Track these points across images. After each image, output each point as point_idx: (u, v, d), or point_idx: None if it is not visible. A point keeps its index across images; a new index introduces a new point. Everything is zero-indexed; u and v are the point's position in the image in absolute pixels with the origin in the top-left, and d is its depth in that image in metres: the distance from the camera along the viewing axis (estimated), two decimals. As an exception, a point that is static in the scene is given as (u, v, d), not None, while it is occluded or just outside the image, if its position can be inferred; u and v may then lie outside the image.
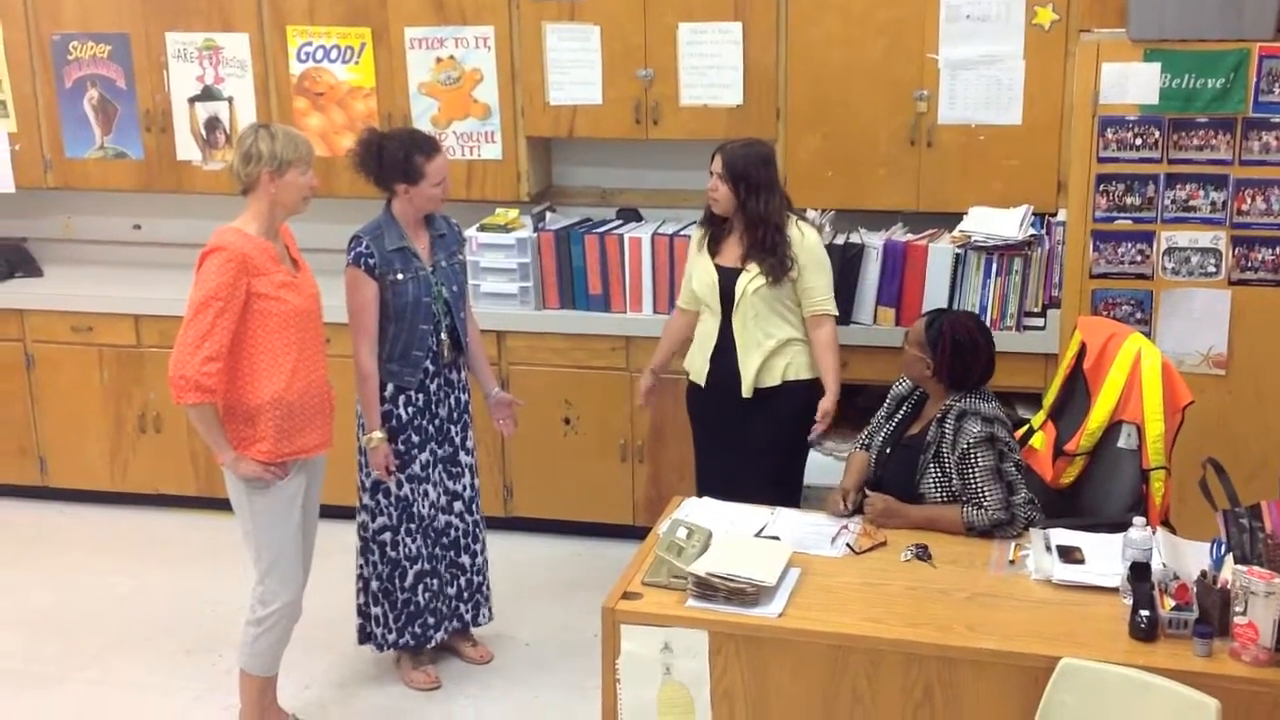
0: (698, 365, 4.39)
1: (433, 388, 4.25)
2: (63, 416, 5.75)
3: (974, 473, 3.59)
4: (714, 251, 4.32)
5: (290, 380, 3.79)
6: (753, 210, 4.19)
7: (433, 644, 4.41)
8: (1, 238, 6.11)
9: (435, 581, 4.35)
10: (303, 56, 5.38)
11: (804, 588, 3.33)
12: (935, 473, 3.67)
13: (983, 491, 3.58)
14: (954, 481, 3.63)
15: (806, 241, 4.24)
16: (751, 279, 4.20)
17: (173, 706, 4.35)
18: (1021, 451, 4.00)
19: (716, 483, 4.24)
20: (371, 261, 4.09)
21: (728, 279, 4.25)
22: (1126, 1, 4.33)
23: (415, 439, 4.25)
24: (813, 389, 4.26)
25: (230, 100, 5.49)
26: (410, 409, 4.22)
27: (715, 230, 4.33)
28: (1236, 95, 4.23)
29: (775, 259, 4.18)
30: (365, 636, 4.42)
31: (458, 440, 4.34)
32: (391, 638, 4.36)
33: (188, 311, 3.67)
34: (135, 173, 5.68)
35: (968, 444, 3.60)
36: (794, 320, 4.26)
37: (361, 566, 4.37)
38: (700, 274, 4.35)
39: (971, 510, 3.59)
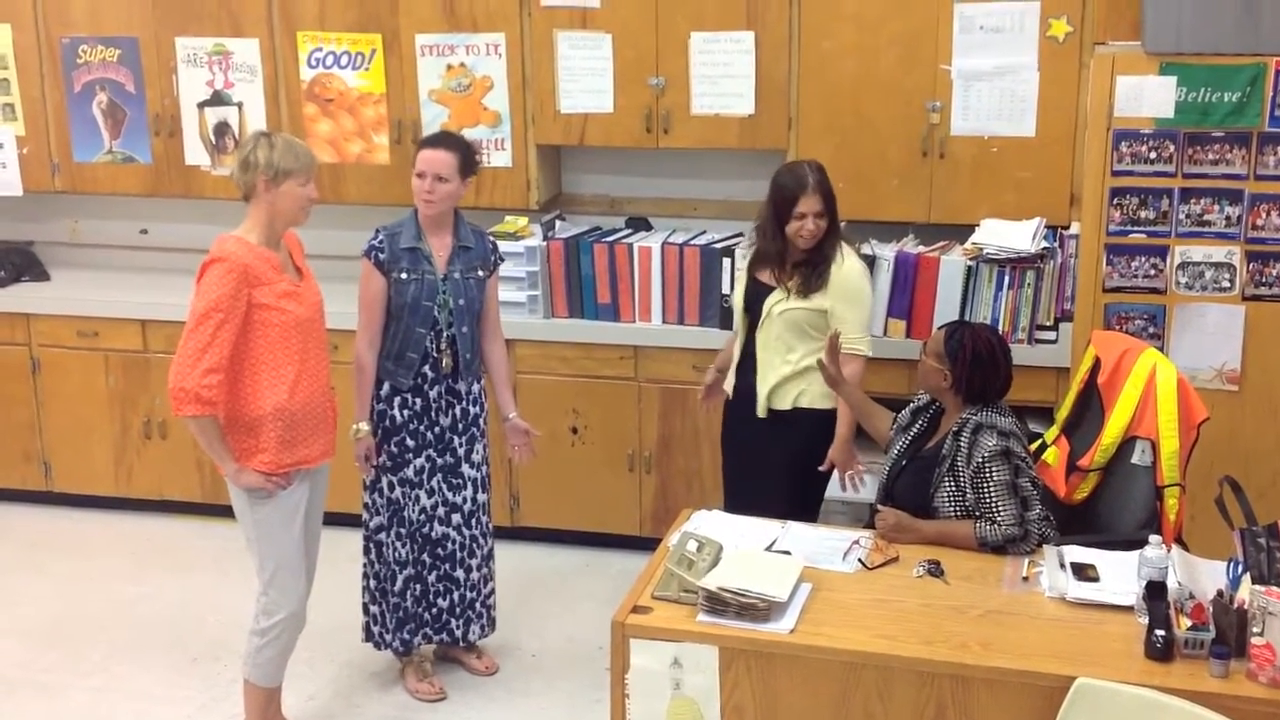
0: (729, 378, 4.37)
1: (432, 395, 4.23)
2: (68, 421, 5.74)
3: (988, 487, 3.57)
4: (754, 267, 4.26)
5: (293, 390, 3.77)
6: (835, 228, 4.12)
7: (415, 651, 4.38)
8: (8, 241, 6.10)
9: (419, 587, 4.33)
10: (313, 62, 5.36)
11: (815, 603, 3.30)
12: (949, 486, 3.64)
13: (996, 506, 3.56)
14: (968, 496, 3.61)
15: (844, 269, 4.12)
16: (778, 300, 4.14)
17: (178, 716, 4.32)
18: (1035, 467, 3.98)
19: (736, 497, 4.22)
20: (381, 256, 4.13)
21: (759, 295, 4.19)
22: (1142, 14, 4.31)
23: (410, 443, 4.23)
24: (829, 420, 4.19)
25: (240, 105, 5.48)
26: (406, 412, 4.21)
27: (767, 256, 4.20)
28: (1252, 109, 4.21)
29: (814, 272, 4.10)
30: (368, 635, 4.41)
31: (461, 451, 4.31)
32: (388, 638, 4.37)
33: (188, 322, 3.65)
34: (143, 177, 5.67)
35: (983, 458, 3.57)
36: (820, 349, 4.17)
37: (365, 564, 4.37)
38: (736, 289, 4.33)
39: (984, 525, 3.56)
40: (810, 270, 4.11)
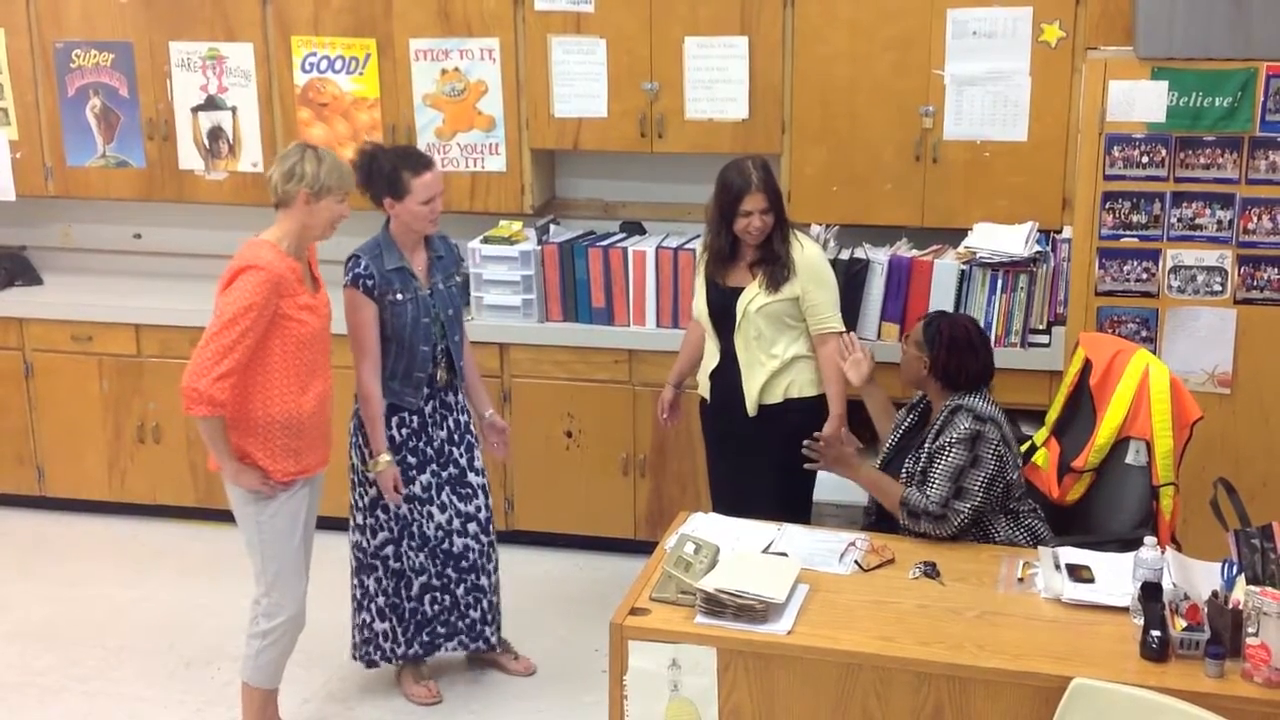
0: (703, 381, 4.38)
1: (427, 410, 4.23)
2: (61, 426, 5.72)
3: (937, 464, 3.65)
4: (713, 272, 4.29)
5: (302, 400, 3.80)
6: (784, 224, 4.18)
7: (439, 652, 4.37)
8: (1, 246, 6.08)
9: (448, 598, 4.32)
10: (307, 67, 5.37)
11: (812, 605, 3.31)
12: (910, 462, 3.74)
13: (933, 482, 3.64)
14: (921, 464, 3.69)
15: (806, 253, 4.20)
16: (752, 298, 4.17)
17: (172, 719, 4.32)
18: (1025, 469, 4.00)
19: (726, 498, 4.24)
20: (370, 282, 4.06)
21: (728, 298, 4.22)
22: (1134, 19, 4.34)
23: (412, 460, 4.22)
24: (817, 406, 4.23)
25: (234, 110, 5.48)
26: (404, 430, 4.20)
27: (721, 255, 4.25)
28: (1244, 114, 4.24)
29: (777, 265, 4.16)
30: (363, 655, 4.38)
31: (463, 461, 4.31)
32: (401, 649, 4.33)
33: (214, 323, 3.66)
34: (137, 182, 5.66)
35: (951, 438, 3.65)
36: (800, 336, 4.23)
37: (358, 586, 4.34)
38: (698, 296, 4.35)
39: (914, 490, 3.66)
40: (774, 264, 4.16)
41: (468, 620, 4.35)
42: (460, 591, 4.33)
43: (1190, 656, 3.02)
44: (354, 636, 4.39)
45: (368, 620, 4.34)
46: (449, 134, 5.27)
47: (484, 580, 4.36)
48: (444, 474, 4.28)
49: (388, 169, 4.05)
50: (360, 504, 4.28)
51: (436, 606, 4.31)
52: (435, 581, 4.29)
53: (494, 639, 4.42)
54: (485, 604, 4.36)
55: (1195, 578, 3.23)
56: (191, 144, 5.55)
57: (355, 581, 4.34)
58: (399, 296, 4.10)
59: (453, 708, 4.35)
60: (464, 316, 4.37)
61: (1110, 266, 4.44)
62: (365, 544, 4.29)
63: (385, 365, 4.14)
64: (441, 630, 4.33)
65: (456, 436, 4.30)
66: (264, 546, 3.86)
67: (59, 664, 4.65)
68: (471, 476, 4.33)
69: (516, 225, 5.26)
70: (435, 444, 4.26)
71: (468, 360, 4.37)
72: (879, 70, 4.85)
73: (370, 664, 4.39)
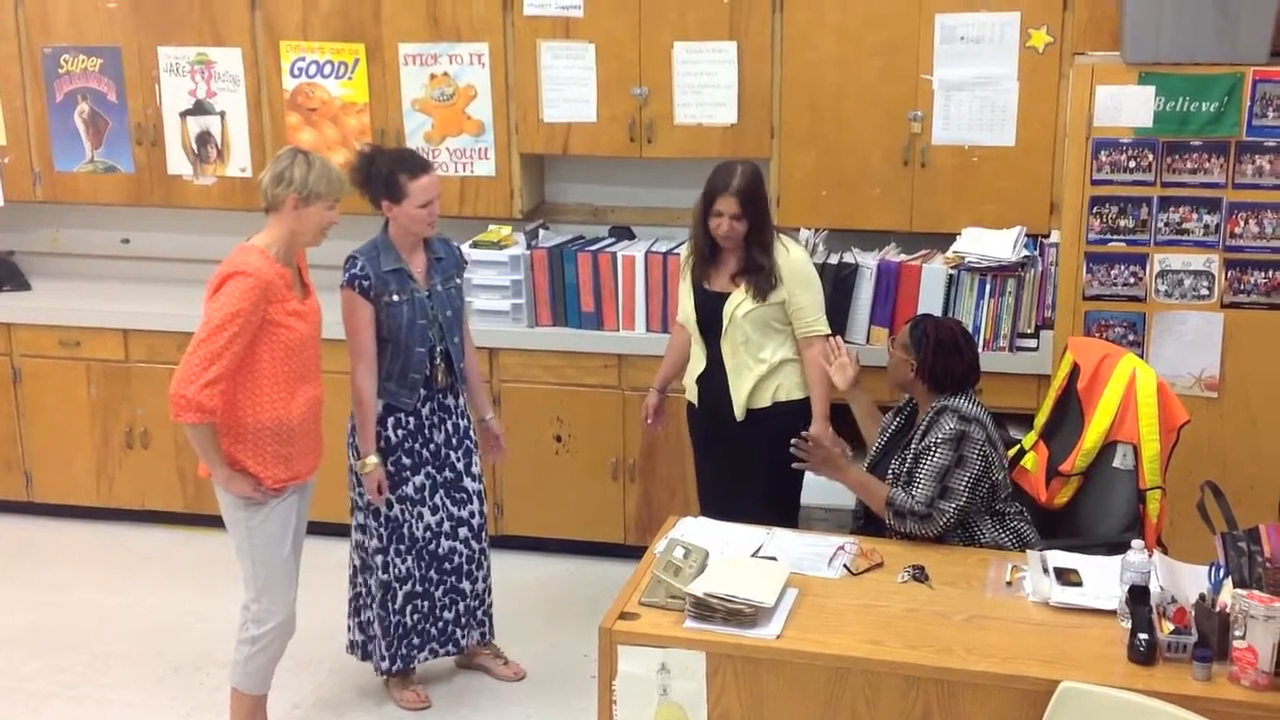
0: (690, 386, 4.39)
1: (425, 411, 4.23)
2: (49, 431, 5.71)
3: (923, 464, 3.66)
4: (699, 276, 4.30)
5: (291, 406, 3.79)
6: (763, 232, 4.18)
7: (414, 665, 4.38)
8: (-11, 251, 6.09)
9: (426, 604, 4.31)
10: (296, 72, 5.36)
11: (802, 609, 3.32)
12: (897, 463, 3.75)
13: (918, 482, 3.65)
14: (907, 464, 3.70)
15: (791, 258, 4.21)
16: (739, 304, 4.18)
17: (160, 725, 4.32)
18: (1013, 472, 4.01)
19: (714, 502, 4.24)
20: (366, 284, 4.07)
21: (715, 303, 4.24)
22: (1121, 25, 4.36)
23: (407, 461, 4.22)
24: (805, 409, 4.24)
25: (222, 115, 5.47)
26: (400, 431, 4.20)
27: (702, 255, 4.28)
28: (1230, 119, 4.26)
29: (761, 275, 4.17)
30: (364, 655, 4.39)
31: (460, 466, 4.31)
32: (385, 664, 4.33)
33: (201, 330, 3.65)
34: (125, 187, 5.65)
35: (936, 439, 3.66)
36: (786, 340, 4.24)
37: (361, 584, 4.34)
38: (684, 301, 4.36)
39: (899, 490, 3.67)
40: (757, 274, 4.17)
41: (440, 624, 4.35)
42: (439, 594, 4.32)
43: (1178, 659, 3.02)
44: (353, 634, 4.39)
45: (368, 621, 4.35)
46: (438, 139, 5.27)
47: (464, 584, 4.35)
48: (439, 477, 4.27)
49: (385, 172, 4.07)
50: (359, 504, 4.29)
51: (416, 615, 4.30)
52: (419, 588, 4.28)
53: (464, 641, 4.41)
54: (460, 607, 4.36)
55: (1182, 581, 3.23)
56: (180, 149, 5.55)
57: (360, 580, 4.35)
58: (395, 298, 4.10)
59: (442, 713, 4.35)
60: (465, 318, 4.36)
61: (1098, 271, 4.45)
62: (363, 544, 4.30)
63: (381, 366, 4.15)
64: (417, 641, 4.32)
65: (455, 440, 4.30)
66: (254, 552, 3.86)
67: (46, 670, 4.64)
68: (467, 481, 4.32)
69: (505, 230, 5.27)
70: (432, 446, 4.25)
71: (469, 363, 4.37)
72: (867, 75, 4.86)
73: (367, 658, 4.39)
